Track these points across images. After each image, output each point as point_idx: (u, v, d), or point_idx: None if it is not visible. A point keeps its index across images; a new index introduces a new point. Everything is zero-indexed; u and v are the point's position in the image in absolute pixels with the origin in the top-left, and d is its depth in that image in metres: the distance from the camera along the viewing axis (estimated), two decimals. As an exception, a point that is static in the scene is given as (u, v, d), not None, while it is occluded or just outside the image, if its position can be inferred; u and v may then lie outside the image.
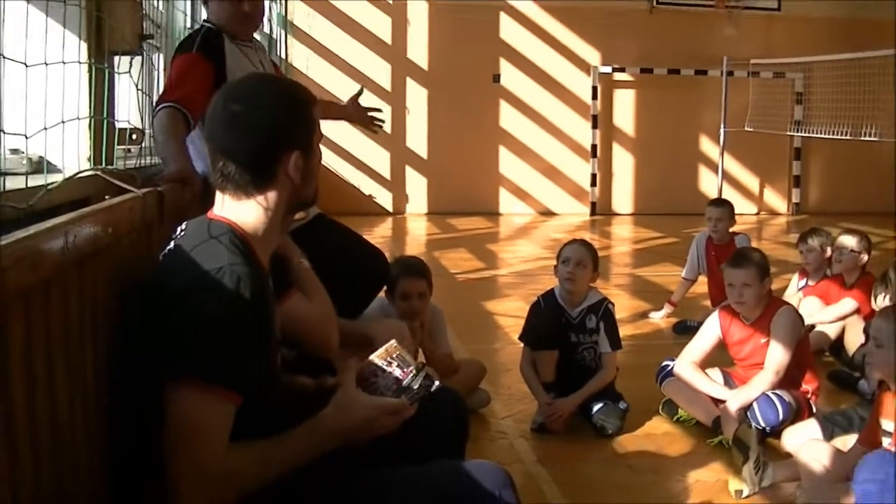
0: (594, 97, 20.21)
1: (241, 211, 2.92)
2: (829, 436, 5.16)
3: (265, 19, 5.75)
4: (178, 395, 2.64)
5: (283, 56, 17.02)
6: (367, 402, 2.90)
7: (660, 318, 9.41)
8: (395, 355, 3.04)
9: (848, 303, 7.66)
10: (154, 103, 5.40)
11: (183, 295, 2.70)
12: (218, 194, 2.97)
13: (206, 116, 3.02)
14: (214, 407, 2.66)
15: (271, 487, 2.77)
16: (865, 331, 6.64)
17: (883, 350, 4.28)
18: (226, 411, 2.69)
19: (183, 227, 2.99)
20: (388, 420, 2.90)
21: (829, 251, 8.20)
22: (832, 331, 7.65)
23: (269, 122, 2.88)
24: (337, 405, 2.89)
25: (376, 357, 3.04)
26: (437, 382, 3.03)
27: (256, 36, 5.79)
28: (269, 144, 2.88)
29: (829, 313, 7.76)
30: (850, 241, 7.86)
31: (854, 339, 7.22)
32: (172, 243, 2.94)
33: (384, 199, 19.78)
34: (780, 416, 5.66)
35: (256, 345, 2.78)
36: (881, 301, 6.16)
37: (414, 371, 3.01)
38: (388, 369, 3.01)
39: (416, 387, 2.98)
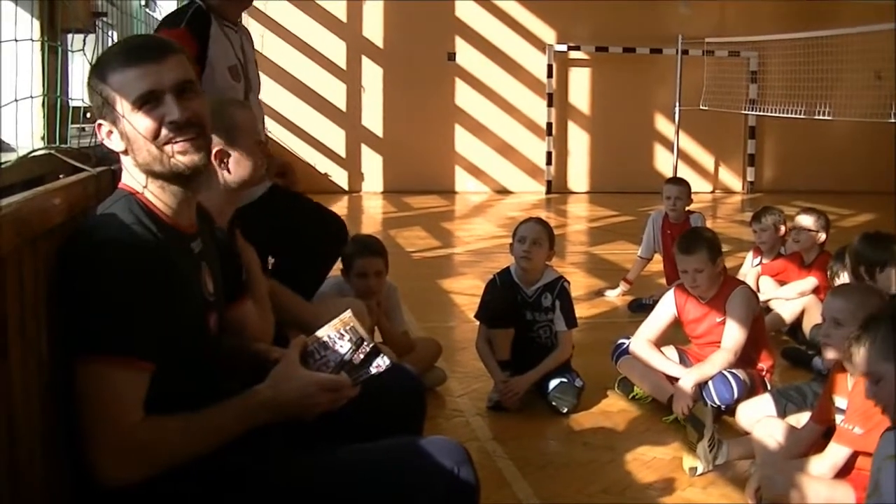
0: (549, 75, 20.26)
1: (126, 174, 2.94)
2: (782, 411, 5.19)
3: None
4: (85, 368, 2.62)
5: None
6: (305, 377, 2.85)
7: (615, 296, 9.45)
8: (348, 328, 2.96)
9: (810, 280, 7.69)
10: None
11: (77, 267, 2.68)
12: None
13: None
14: (120, 377, 2.62)
15: (214, 463, 2.74)
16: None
17: (843, 329, 4.30)
18: (134, 380, 2.65)
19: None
20: (326, 397, 2.86)
21: (782, 229, 8.23)
22: (788, 313, 7.67)
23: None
24: (273, 378, 2.86)
25: (329, 328, 2.97)
26: (388, 361, 2.97)
27: None
28: (96, 115, 2.90)
29: (790, 290, 7.79)
30: (807, 220, 7.89)
31: (812, 322, 7.24)
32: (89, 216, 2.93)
33: (339, 177, 19.78)
34: (735, 394, 5.69)
35: (161, 307, 2.71)
36: (840, 280, 6.19)
37: (366, 347, 2.95)
38: (339, 342, 2.95)
39: (365, 363, 2.93)
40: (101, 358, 2.61)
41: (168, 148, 2.84)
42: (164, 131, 2.82)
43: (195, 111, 2.87)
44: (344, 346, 2.94)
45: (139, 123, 2.81)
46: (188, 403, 2.75)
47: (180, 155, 2.84)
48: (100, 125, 2.87)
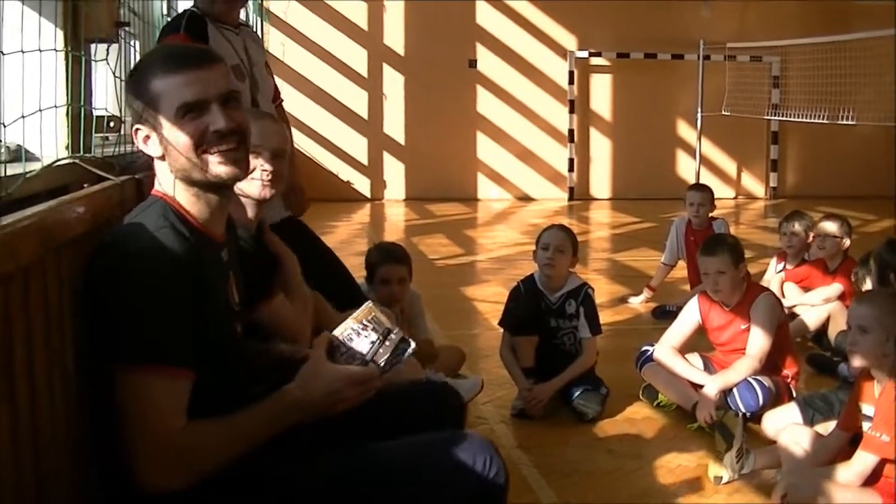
0: (571, 82, 20.22)
1: (160, 181, 2.92)
2: (809, 420, 5.16)
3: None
4: (124, 379, 2.60)
5: (259, 43, 16.95)
6: (331, 372, 2.83)
7: (639, 302, 9.42)
8: (370, 317, 2.95)
9: (835, 286, 7.66)
10: None
11: (108, 275, 2.67)
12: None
13: None
14: (159, 386, 2.61)
15: (249, 462, 2.74)
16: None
17: (870, 336, 4.26)
18: (173, 388, 2.64)
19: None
20: (354, 391, 2.83)
21: (810, 235, 8.19)
22: (813, 319, 7.63)
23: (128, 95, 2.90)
24: (301, 377, 2.83)
25: (351, 321, 2.95)
26: (413, 345, 2.96)
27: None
28: (133, 120, 2.87)
29: (816, 296, 7.75)
30: (831, 226, 7.84)
31: (838, 328, 7.19)
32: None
33: (362, 185, 19.78)
34: (760, 401, 5.67)
35: (195, 315, 2.71)
36: (865, 286, 6.14)
37: (393, 337, 2.93)
38: (364, 333, 2.93)
39: (395, 352, 2.92)
40: (141, 368, 2.60)
41: (208, 157, 2.83)
42: (206, 140, 2.81)
43: (239, 122, 2.88)
44: (369, 337, 2.92)
45: (182, 130, 2.80)
46: (217, 410, 2.74)
47: (221, 165, 2.84)
48: (137, 130, 2.85)
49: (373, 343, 2.91)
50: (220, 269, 2.97)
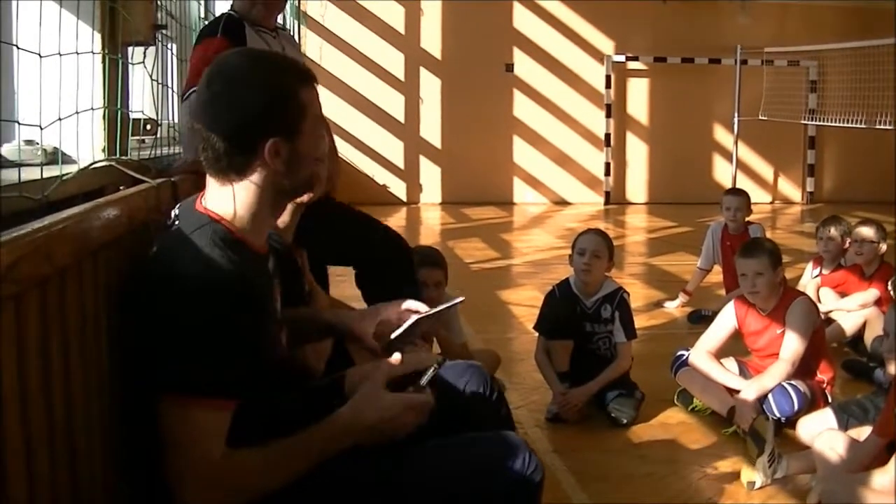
0: (608, 86, 20.19)
1: (226, 199, 2.81)
2: (844, 426, 5.13)
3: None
4: (166, 408, 2.60)
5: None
6: (389, 398, 2.83)
7: (674, 307, 9.41)
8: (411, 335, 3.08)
9: (872, 291, 7.63)
10: (182, 90, 5.44)
11: (158, 297, 2.64)
12: (208, 178, 2.87)
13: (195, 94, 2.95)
14: (205, 417, 2.60)
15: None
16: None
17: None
18: (217, 419, 2.63)
19: (176, 212, 2.97)
20: (412, 416, 2.83)
21: (847, 241, 8.15)
22: (849, 325, 7.60)
23: (246, 104, 2.74)
24: (355, 402, 2.83)
25: (401, 339, 3.06)
26: (442, 360, 3.04)
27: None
28: (246, 129, 2.75)
29: (852, 301, 7.73)
30: (868, 231, 7.81)
31: (874, 334, 7.17)
32: (160, 238, 2.90)
33: (398, 188, 19.79)
34: (795, 407, 5.65)
35: (247, 343, 2.68)
36: None
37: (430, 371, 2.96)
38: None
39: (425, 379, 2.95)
40: (189, 399, 2.59)
41: (320, 164, 2.91)
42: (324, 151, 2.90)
43: None
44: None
45: (318, 141, 2.88)
46: (270, 422, 2.76)
47: (321, 171, 2.93)
48: (275, 143, 2.76)
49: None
50: (267, 281, 2.97)
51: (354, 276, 5.64)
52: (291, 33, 14.43)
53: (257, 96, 2.74)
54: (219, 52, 4.76)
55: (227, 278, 2.67)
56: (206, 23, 5.94)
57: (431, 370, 2.94)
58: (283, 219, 3.90)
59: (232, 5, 5.42)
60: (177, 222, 2.90)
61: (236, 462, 2.65)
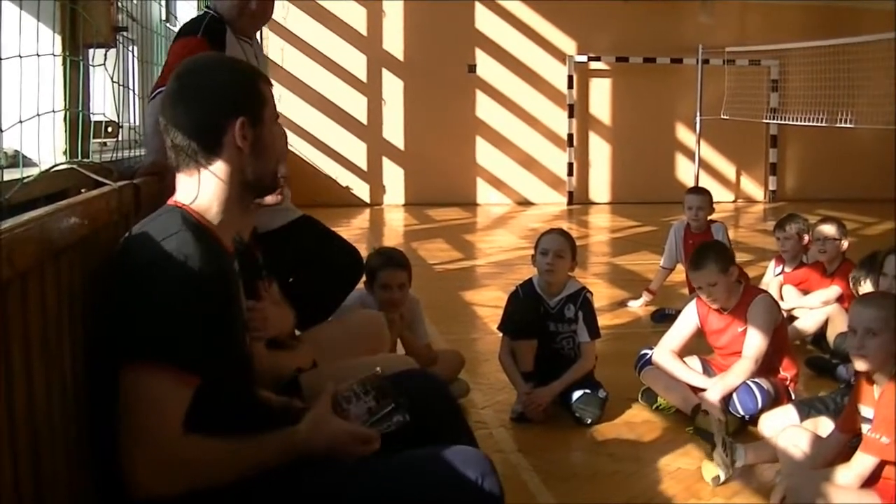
0: (570, 86, 20.27)
1: (193, 188, 2.90)
2: (805, 417, 5.14)
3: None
4: (131, 376, 2.62)
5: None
6: (341, 426, 2.92)
7: (638, 306, 9.43)
8: (374, 384, 3.06)
9: (834, 288, 7.68)
10: (151, 88, 5.43)
11: (131, 277, 2.69)
12: (177, 177, 2.95)
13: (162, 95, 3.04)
14: (164, 387, 2.62)
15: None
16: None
17: (878, 337, 4.23)
18: (179, 393, 2.65)
19: (149, 216, 2.99)
20: (357, 447, 2.91)
21: (806, 238, 8.20)
22: (812, 322, 7.65)
23: (213, 89, 2.90)
24: (311, 423, 2.90)
25: (357, 382, 3.06)
26: (407, 417, 3.04)
27: None
28: (213, 109, 2.87)
29: (815, 298, 7.77)
30: (830, 229, 7.86)
31: (836, 330, 7.20)
32: (132, 229, 2.90)
33: (361, 190, 19.79)
34: (759, 404, 5.67)
35: (213, 323, 2.73)
36: (864, 287, 6.12)
37: (391, 405, 3.03)
38: (364, 398, 3.03)
39: (387, 421, 3.01)
40: (146, 364, 2.62)
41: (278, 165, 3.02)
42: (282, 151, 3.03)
43: None
44: (370, 402, 3.04)
45: (277, 138, 3.01)
46: (223, 417, 2.78)
47: (283, 167, 3.13)
48: (243, 122, 2.86)
49: (369, 409, 3.03)
50: (234, 279, 3.00)
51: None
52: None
53: (224, 79, 2.92)
54: (197, 51, 4.77)
55: (200, 256, 2.72)
56: (191, 19, 5.91)
57: (395, 421, 3.01)
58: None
59: (215, 6, 5.39)
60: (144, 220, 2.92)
61: (195, 446, 2.67)
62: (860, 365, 4.31)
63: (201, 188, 2.89)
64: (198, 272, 2.68)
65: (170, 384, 2.63)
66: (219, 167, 2.88)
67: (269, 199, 3.87)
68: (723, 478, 4.93)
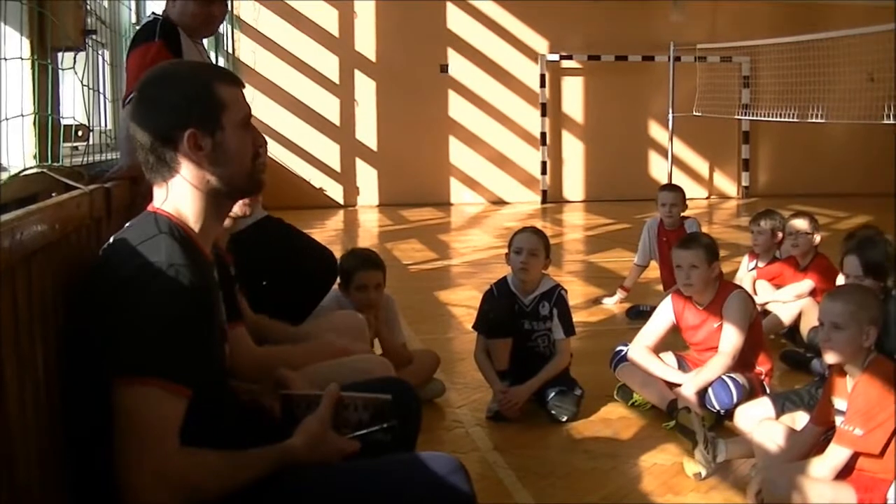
0: (542, 85, 20.28)
1: (164, 198, 2.90)
2: (780, 410, 5.17)
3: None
4: (124, 391, 2.59)
5: (230, 51, 16.95)
6: (334, 444, 2.95)
7: (613, 303, 9.44)
8: (377, 404, 3.09)
9: (807, 282, 7.71)
10: (123, 96, 5.43)
11: (121, 289, 2.66)
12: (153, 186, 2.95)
13: None
14: (162, 401, 2.61)
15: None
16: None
17: (844, 331, 4.26)
18: (174, 406, 2.64)
19: (129, 224, 2.97)
20: (337, 458, 2.94)
21: (779, 235, 8.22)
22: (786, 316, 7.68)
23: (164, 100, 2.86)
24: (310, 439, 2.92)
25: (363, 397, 3.10)
26: (388, 439, 3.07)
27: None
28: (163, 122, 2.84)
29: (788, 292, 7.79)
30: (802, 223, 7.89)
31: (810, 324, 7.24)
32: (113, 238, 2.89)
33: (335, 191, 19.78)
34: (735, 399, 5.68)
35: (202, 336, 2.73)
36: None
37: (381, 426, 3.06)
38: (361, 411, 3.07)
39: (370, 437, 3.05)
40: (141, 379, 2.60)
41: (257, 165, 2.97)
42: (256, 150, 2.96)
43: None
44: (364, 417, 3.08)
45: (247, 139, 2.93)
46: (211, 429, 2.77)
47: (261, 174, 3.00)
48: (192, 133, 2.82)
49: (360, 421, 3.07)
50: (214, 288, 2.98)
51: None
52: (224, 37, 14.43)
53: (177, 91, 2.86)
54: (158, 56, 4.76)
55: (188, 268, 2.71)
56: (139, 27, 5.90)
57: (377, 440, 3.05)
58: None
59: (165, 10, 5.39)
60: (126, 227, 2.92)
61: (192, 459, 2.66)
62: (829, 358, 4.34)
63: (172, 196, 2.89)
64: (186, 283, 2.67)
65: (165, 398, 2.62)
66: (183, 176, 2.87)
67: (237, 209, 3.89)
68: (704, 474, 4.94)
